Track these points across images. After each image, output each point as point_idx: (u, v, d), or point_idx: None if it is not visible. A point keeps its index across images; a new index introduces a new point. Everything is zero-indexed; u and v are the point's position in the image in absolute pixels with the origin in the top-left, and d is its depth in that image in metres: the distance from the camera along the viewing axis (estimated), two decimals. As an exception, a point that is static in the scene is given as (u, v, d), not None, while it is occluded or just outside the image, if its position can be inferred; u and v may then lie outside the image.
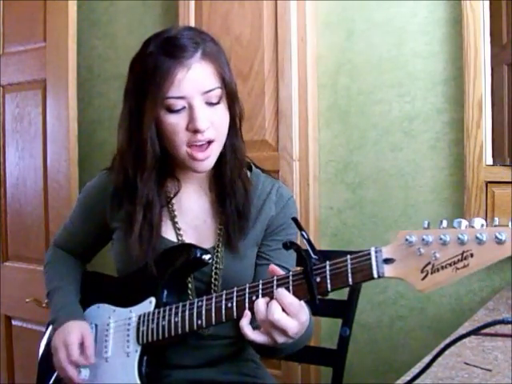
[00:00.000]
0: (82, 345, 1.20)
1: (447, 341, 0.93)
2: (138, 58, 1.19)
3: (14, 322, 2.36)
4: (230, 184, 1.22)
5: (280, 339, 0.99)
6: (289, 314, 0.97)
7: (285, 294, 0.98)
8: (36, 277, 2.14)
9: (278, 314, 0.97)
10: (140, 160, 1.18)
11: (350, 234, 1.94)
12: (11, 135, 2.32)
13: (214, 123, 1.15)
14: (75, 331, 1.20)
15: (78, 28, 2.17)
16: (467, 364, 1.05)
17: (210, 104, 1.15)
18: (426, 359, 1.01)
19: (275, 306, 0.97)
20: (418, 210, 1.83)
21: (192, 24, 2.02)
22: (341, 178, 1.95)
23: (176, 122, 1.14)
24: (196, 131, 1.13)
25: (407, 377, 0.96)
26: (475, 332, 0.94)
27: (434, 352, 0.94)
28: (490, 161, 1.67)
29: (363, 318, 1.87)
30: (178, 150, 1.16)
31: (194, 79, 1.13)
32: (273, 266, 1.03)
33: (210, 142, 1.16)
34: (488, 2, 1.65)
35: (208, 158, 1.17)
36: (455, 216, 1.76)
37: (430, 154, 1.81)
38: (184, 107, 1.13)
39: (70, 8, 2.11)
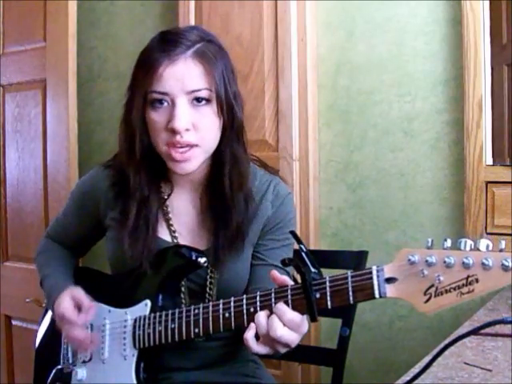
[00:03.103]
0: (77, 306, 1.18)
1: (447, 341, 0.93)
2: (140, 54, 1.19)
3: (13, 322, 2.36)
4: (231, 197, 1.18)
5: (282, 350, 0.99)
6: (290, 328, 0.96)
7: (284, 311, 0.95)
8: (36, 277, 2.14)
9: (280, 331, 0.95)
10: (131, 153, 1.18)
11: (349, 234, 1.94)
12: (11, 135, 2.32)
13: (196, 126, 1.11)
14: (65, 299, 1.19)
15: (78, 28, 2.17)
16: (467, 364, 1.05)
17: (195, 104, 1.11)
18: (426, 359, 1.00)
19: (277, 323, 0.95)
20: (417, 210, 1.83)
21: (192, 24, 2.02)
22: (341, 178, 1.95)
23: (157, 120, 1.12)
24: (174, 131, 1.10)
25: (407, 377, 0.95)
26: (475, 332, 0.94)
27: (434, 352, 0.94)
28: (490, 161, 1.67)
29: (363, 318, 1.87)
30: (159, 149, 1.15)
31: (178, 76, 1.10)
32: (274, 273, 1.00)
33: (191, 147, 1.12)
34: (488, 2, 1.65)
35: (187, 161, 1.12)
36: (455, 216, 1.76)
37: (430, 154, 1.81)
38: (167, 103, 1.11)
39: (70, 8, 2.11)
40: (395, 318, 1.87)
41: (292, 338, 0.96)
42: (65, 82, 2.13)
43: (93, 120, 2.48)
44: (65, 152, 2.14)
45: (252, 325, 0.98)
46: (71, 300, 1.18)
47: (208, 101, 1.12)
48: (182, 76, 1.10)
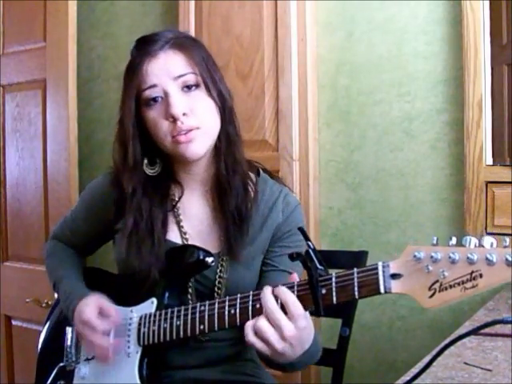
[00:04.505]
0: (101, 314, 1.18)
1: (447, 341, 0.93)
2: (125, 69, 1.21)
3: (13, 322, 2.36)
4: (227, 180, 1.20)
5: (277, 344, 0.94)
6: (289, 317, 0.94)
7: (285, 291, 0.94)
8: (36, 277, 2.15)
9: (278, 314, 0.93)
10: (124, 160, 1.19)
11: (350, 234, 1.94)
12: (11, 135, 2.32)
13: (193, 110, 1.14)
14: (89, 305, 1.19)
15: (78, 28, 2.17)
16: (467, 364, 1.05)
17: (187, 90, 1.15)
18: (426, 359, 1.01)
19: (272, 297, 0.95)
20: (417, 210, 1.83)
21: (192, 24, 2.03)
22: (341, 178, 1.95)
23: (155, 115, 1.15)
24: (173, 118, 1.12)
25: (407, 377, 0.96)
26: (475, 332, 0.94)
27: (434, 352, 0.94)
28: (490, 161, 1.67)
29: (363, 318, 1.87)
30: (164, 143, 1.16)
31: (162, 66, 1.14)
32: (294, 275, 0.99)
33: (193, 130, 1.14)
34: (488, 2, 1.65)
35: (193, 142, 1.14)
36: (455, 216, 1.76)
37: (430, 154, 1.81)
38: (161, 97, 1.14)
39: (70, 8, 2.12)
40: (395, 318, 1.87)
41: (288, 326, 0.93)
42: (65, 82, 2.13)
43: (93, 120, 2.48)
44: (65, 152, 2.14)
45: (257, 317, 0.97)
46: (96, 307, 1.19)
47: (197, 86, 1.16)
48: (165, 65, 1.15)
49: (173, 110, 1.12)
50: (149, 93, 1.14)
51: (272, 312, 0.94)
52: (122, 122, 1.19)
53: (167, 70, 1.14)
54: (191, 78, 1.15)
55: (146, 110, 1.16)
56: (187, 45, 1.18)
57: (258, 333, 0.94)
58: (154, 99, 1.14)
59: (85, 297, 1.22)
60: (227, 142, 1.21)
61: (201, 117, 1.15)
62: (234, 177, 1.21)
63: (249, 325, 0.97)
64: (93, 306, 1.19)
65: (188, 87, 1.15)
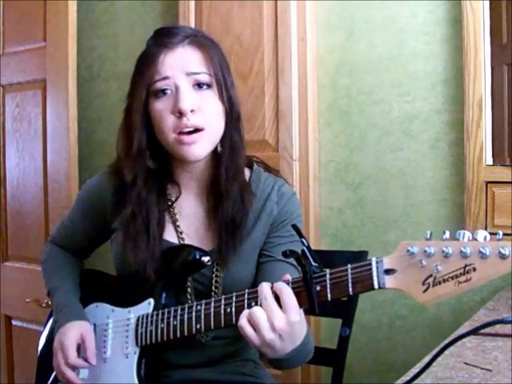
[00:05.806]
0: (81, 346, 1.19)
1: (447, 341, 0.93)
2: (138, 57, 1.21)
3: (13, 322, 2.36)
4: (225, 187, 1.19)
5: (267, 333, 0.91)
6: (281, 306, 0.93)
7: (282, 284, 0.94)
8: (36, 277, 2.14)
9: (267, 292, 0.93)
10: (128, 148, 1.18)
11: (349, 234, 1.94)
12: (11, 135, 2.32)
13: (201, 109, 1.13)
14: (74, 333, 1.19)
15: (78, 28, 2.17)
16: (467, 364, 1.05)
17: (197, 88, 1.14)
18: (426, 359, 1.01)
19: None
20: (417, 210, 1.83)
21: (192, 24, 2.02)
22: (341, 178, 1.95)
23: (162, 107, 1.14)
24: (180, 113, 1.11)
25: (407, 377, 0.96)
26: (475, 332, 0.94)
27: (434, 352, 0.94)
28: (490, 161, 1.67)
29: (363, 318, 1.87)
30: (166, 138, 1.14)
31: (178, 60, 1.14)
32: (286, 275, 0.98)
33: (198, 131, 1.13)
34: (488, 2, 1.65)
35: (195, 144, 1.13)
36: (455, 216, 1.76)
37: (430, 154, 1.81)
38: (171, 91, 1.13)
39: (70, 8, 2.11)
40: (395, 317, 1.87)
41: (280, 316, 0.92)
42: (65, 82, 2.13)
43: (93, 120, 2.48)
44: (65, 152, 2.14)
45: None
46: (79, 338, 1.19)
47: (209, 86, 1.15)
48: (182, 59, 1.14)
49: (181, 105, 1.11)
50: (160, 84, 1.14)
51: (266, 299, 0.93)
52: (129, 110, 1.18)
53: (182, 65, 1.13)
54: (205, 78, 1.15)
55: (153, 101, 1.15)
56: (206, 44, 1.18)
57: (250, 318, 0.94)
58: (164, 91, 1.14)
59: (74, 318, 1.22)
60: (231, 148, 1.20)
61: (207, 117, 1.14)
62: (233, 183, 1.19)
63: (244, 311, 0.96)
64: (76, 336, 1.19)
65: (199, 85, 1.14)
